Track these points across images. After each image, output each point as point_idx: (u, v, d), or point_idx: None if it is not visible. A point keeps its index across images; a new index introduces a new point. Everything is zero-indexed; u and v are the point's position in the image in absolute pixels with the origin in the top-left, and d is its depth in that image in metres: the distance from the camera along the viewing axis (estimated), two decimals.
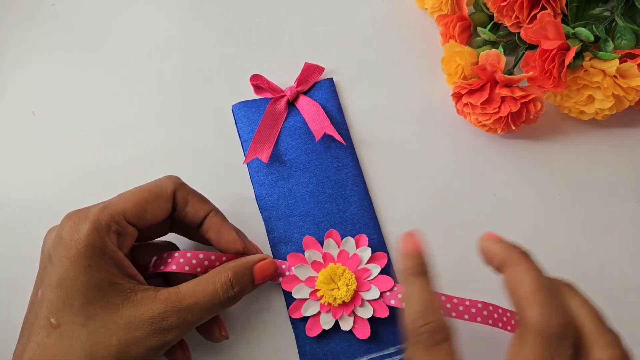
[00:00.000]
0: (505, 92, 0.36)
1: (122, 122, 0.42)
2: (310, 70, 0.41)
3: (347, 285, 0.34)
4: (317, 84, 0.41)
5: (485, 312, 0.32)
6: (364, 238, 0.36)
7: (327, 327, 0.33)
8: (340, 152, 0.39)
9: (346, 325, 0.34)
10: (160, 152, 0.40)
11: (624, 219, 0.38)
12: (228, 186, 0.39)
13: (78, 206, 0.39)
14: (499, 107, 0.36)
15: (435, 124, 0.41)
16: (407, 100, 0.42)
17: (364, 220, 0.37)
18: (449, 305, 0.32)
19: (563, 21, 0.36)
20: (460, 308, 0.32)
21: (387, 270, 0.35)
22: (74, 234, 0.27)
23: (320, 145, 0.39)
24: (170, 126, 0.41)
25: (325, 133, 0.38)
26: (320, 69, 0.41)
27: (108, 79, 0.43)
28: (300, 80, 0.41)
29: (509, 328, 0.33)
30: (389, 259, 0.36)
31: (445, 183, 0.39)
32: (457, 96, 0.38)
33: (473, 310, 0.32)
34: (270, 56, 0.44)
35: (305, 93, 0.41)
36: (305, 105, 0.40)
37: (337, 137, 0.38)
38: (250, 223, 0.38)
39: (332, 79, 0.42)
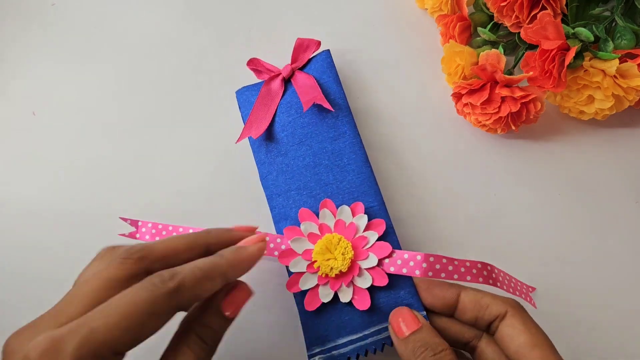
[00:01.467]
0: (505, 92, 0.36)
1: (122, 121, 0.42)
2: (304, 45, 0.40)
3: (343, 254, 0.33)
4: (313, 59, 0.40)
5: (485, 272, 0.32)
6: (360, 206, 0.34)
7: (325, 300, 0.33)
8: (336, 122, 0.38)
9: (345, 296, 0.33)
10: (160, 152, 0.40)
11: (624, 219, 0.38)
12: (230, 183, 0.39)
13: (78, 205, 0.39)
14: (499, 107, 0.36)
15: (435, 124, 0.41)
16: (407, 100, 0.42)
17: (362, 188, 0.36)
18: (450, 268, 0.31)
19: (563, 21, 0.36)
20: (462, 270, 0.31)
21: (386, 237, 0.34)
22: None
23: (316, 117, 0.38)
24: (170, 125, 0.41)
25: (316, 103, 0.37)
26: (316, 43, 0.40)
27: (108, 79, 0.43)
28: (294, 57, 0.40)
29: (510, 291, 0.33)
30: (387, 226, 0.34)
31: (445, 183, 0.39)
32: (457, 96, 0.38)
33: (474, 271, 0.31)
34: (270, 56, 0.44)
35: (302, 68, 0.40)
36: (300, 79, 0.39)
37: (326, 104, 0.36)
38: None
39: (328, 50, 0.40)
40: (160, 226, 0.36)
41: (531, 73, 0.36)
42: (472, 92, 0.37)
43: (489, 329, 0.30)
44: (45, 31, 0.45)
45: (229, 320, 0.28)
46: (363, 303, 0.32)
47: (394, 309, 0.31)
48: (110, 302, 0.23)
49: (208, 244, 0.29)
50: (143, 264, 0.26)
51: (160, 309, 0.23)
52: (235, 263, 0.28)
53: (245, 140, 0.40)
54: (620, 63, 0.35)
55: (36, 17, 0.46)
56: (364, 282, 0.33)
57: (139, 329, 0.23)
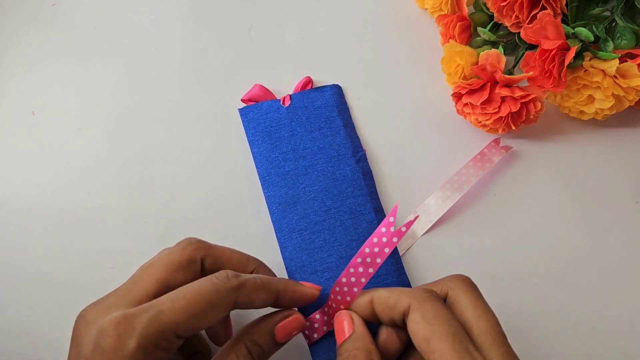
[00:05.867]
0: (505, 92, 0.36)
1: (122, 121, 0.42)
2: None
3: None
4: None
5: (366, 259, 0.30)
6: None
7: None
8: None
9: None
10: (160, 152, 0.40)
11: (624, 219, 0.38)
12: (230, 184, 0.39)
13: (77, 205, 0.39)
14: (499, 107, 0.36)
15: (435, 124, 0.41)
16: (407, 100, 0.42)
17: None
18: (344, 279, 0.30)
19: (563, 21, 0.36)
20: (351, 270, 0.30)
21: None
22: (117, 350, 0.24)
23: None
24: (170, 125, 0.41)
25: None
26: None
27: (107, 79, 0.43)
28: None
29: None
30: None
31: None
32: (457, 96, 0.38)
33: (361, 269, 0.30)
34: (271, 56, 0.44)
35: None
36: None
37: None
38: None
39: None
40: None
41: (531, 73, 0.36)
42: (472, 92, 0.37)
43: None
44: (45, 31, 0.45)
45: (278, 345, 0.29)
46: None
47: (335, 315, 0.30)
48: (179, 290, 0.26)
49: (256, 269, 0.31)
50: (200, 252, 0.29)
51: (221, 302, 0.26)
52: (290, 291, 0.30)
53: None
54: (620, 63, 0.35)
55: (36, 17, 0.46)
56: None
57: (200, 316, 0.25)
